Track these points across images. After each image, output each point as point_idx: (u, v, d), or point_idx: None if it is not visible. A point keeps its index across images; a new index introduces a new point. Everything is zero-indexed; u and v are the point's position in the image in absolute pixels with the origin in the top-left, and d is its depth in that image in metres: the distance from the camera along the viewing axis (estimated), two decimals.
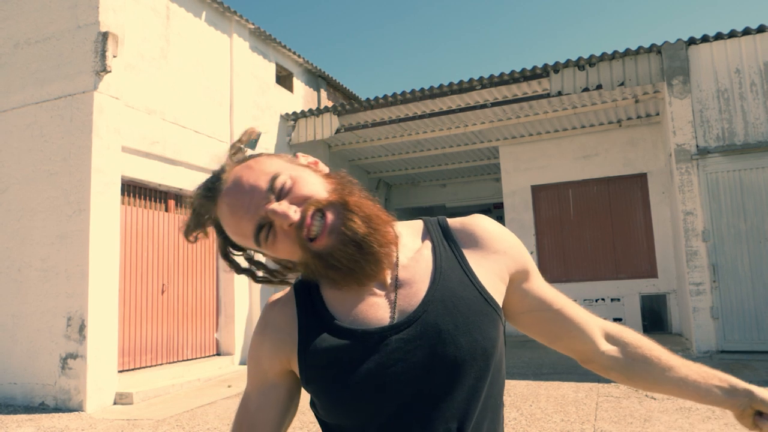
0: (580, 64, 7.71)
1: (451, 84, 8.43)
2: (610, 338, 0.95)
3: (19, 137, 6.38)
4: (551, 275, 9.41)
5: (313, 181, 0.83)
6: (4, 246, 6.29)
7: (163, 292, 7.13)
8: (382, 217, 0.83)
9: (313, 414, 0.87)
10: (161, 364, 7.00)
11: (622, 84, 7.58)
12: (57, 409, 5.63)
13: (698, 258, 6.92)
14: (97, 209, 5.93)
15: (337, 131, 9.41)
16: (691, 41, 7.20)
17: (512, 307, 0.92)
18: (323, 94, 11.18)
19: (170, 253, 7.30)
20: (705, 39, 7.14)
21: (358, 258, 0.78)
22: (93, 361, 5.67)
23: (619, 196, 9.71)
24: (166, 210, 7.41)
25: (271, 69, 9.54)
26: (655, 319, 9.11)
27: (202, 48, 7.99)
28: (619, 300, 9.39)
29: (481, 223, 0.91)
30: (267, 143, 9.13)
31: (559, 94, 7.90)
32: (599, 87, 7.65)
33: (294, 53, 9.99)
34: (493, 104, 8.72)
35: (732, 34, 7.01)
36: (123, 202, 6.65)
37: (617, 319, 8.66)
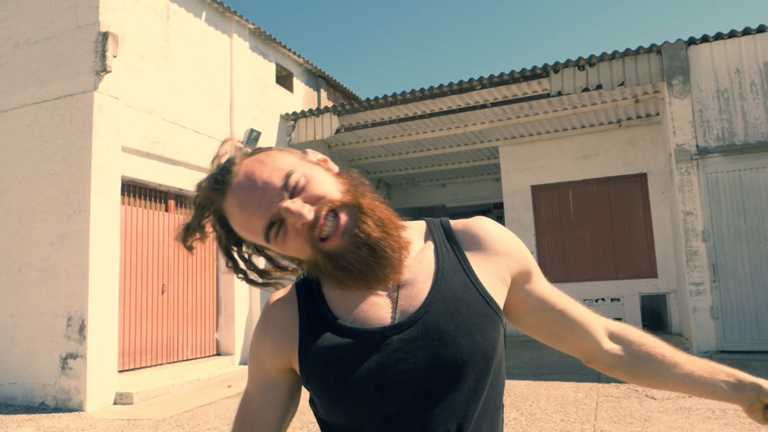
0: (580, 64, 7.71)
1: (451, 84, 8.43)
2: (614, 337, 0.95)
3: (19, 137, 6.38)
4: (551, 275, 9.41)
5: (326, 181, 0.83)
6: (4, 246, 6.29)
7: (163, 292, 7.13)
8: (395, 222, 0.83)
9: (312, 414, 0.87)
10: (161, 364, 7.01)
11: (622, 84, 7.58)
12: (57, 409, 5.63)
13: (698, 258, 6.92)
14: (97, 209, 5.93)
15: (337, 131, 9.42)
16: (691, 41, 7.20)
17: (515, 309, 0.92)
18: (323, 94, 11.18)
19: (170, 253, 7.30)
20: (705, 39, 7.14)
21: (371, 261, 0.78)
22: (93, 361, 5.68)
23: (619, 196, 9.71)
24: (166, 210, 7.41)
25: (271, 69, 9.54)
26: (655, 319, 9.11)
27: (202, 48, 7.99)
28: (619, 300, 9.39)
29: (483, 225, 0.91)
30: (267, 143, 9.13)
31: (559, 94, 7.91)
32: (599, 87, 7.65)
33: (294, 53, 9.99)
34: (493, 104, 8.72)
35: (732, 34, 7.01)
36: (123, 202, 6.65)
37: (617, 319, 8.64)
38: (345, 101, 11.13)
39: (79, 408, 5.57)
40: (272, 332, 0.86)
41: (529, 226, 10.13)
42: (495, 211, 13.34)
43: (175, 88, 7.40)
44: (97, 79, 6.10)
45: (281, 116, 9.59)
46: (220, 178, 0.83)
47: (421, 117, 9.14)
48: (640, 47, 7.44)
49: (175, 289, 7.34)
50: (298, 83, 10.40)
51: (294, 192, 0.79)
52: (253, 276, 0.91)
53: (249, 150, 0.87)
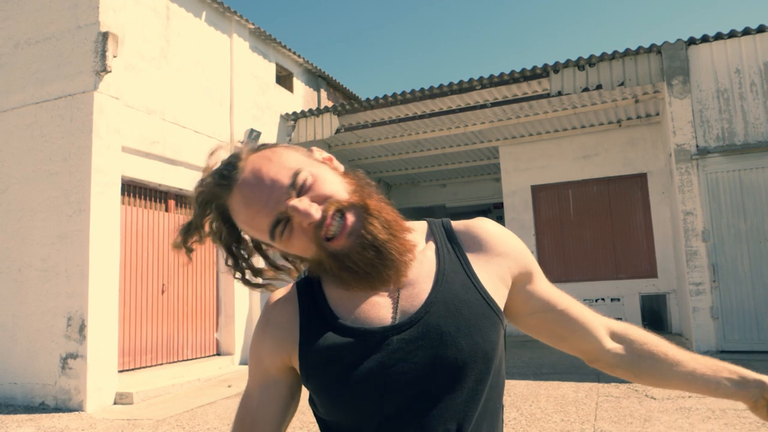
0: (580, 64, 7.71)
1: (451, 84, 8.43)
2: (616, 336, 0.95)
3: (19, 137, 6.38)
4: (551, 275, 9.32)
5: (333, 180, 0.83)
6: (4, 246, 6.29)
7: (163, 292, 7.13)
8: (402, 224, 0.83)
9: (312, 414, 0.87)
10: (161, 364, 7.01)
11: (622, 84, 7.59)
12: (57, 409, 5.63)
13: (698, 258, 6.92)
14: (97, 209, 5.93)
15: (337, 131, 9.42)
16: (691, 41, 7.20)
17: (517, 309, 0.92)
18: (323, 94, 11.18)
19: (170, 253, 7.29)
20: (705, 39, 7.14)
21: (377, 263, 0.78)
22: (93, 361, 5.68)
23: (619, 196, 9.71)
24: (166, 210, 7.41)
25: (271, 69, 9.54)
26: (655, 319, 9.11)
27: (202, 48, 7.99)
28: (619, 300, 9.39)
29: (484, 226, 0.91)
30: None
31: (559, 94, 7.91)
32: (599, 87, 7.65)
33: (294, 53, 9.99)
34: (493, 104, 8.72)
35: (732, 34, 7.01)
36: (123, 202, 6.65)
37: (618, 319, 8.65)
38: (345, 101, 11.13)
39: (79, 408, 5.58)
40: (273, 331, 0.86)
41: (529, 226, 10.13)
42: (495, 211, 13.34)
43: (175, 88, 7.40)
44: (97, 79, 6.10)
45: (281, 116, 9.59)
46: (226, 174, 0.82)
47: (421, 117, 9.14)
48: (640, 47, 7.44)
49: (175, 289, 7.34)
50: (298, 83, 10.41)
51: (301, 191, 0.79)
52: (249, 276, 0.91)
53: (254, 145, 0.86)
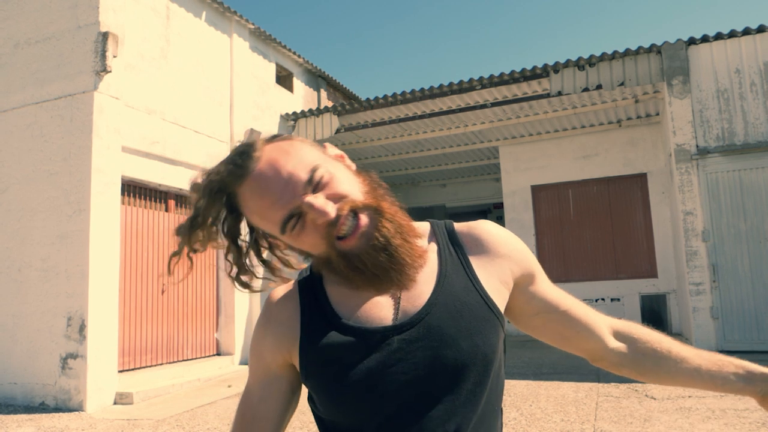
0: (580, 64, 7.71)
1: (451, 84, 8.43)
2: (619, 335, 0.95)
3: (19, 137, 6.38)
4: (551, 275, 9.23)
5: (348, 179, 0.82)
6: (4, 246, 6.29)
7: (163, 292, 7.13)
8: (414, 229, 0.83)
9: (312, 413, 0.87)
10: (161, 364, 7.01)
11: (622, 84, 7.58)
12: (57, 409, 5.63)
13: (698, 258, 6.92)
14: (97, 209, 5.93)
15: (337, 131, 9.42)
16: (691, 41, 7.20)
17: (519, 311, 0.93)
18: (323, 94, 11.18)
19: (170, 253, 7.29)
20: (705, 39, 7.14)
21: (387, 266, 0.78)
22: (93, 361, 5.68)
23: (619, 196, 9.71)
24: (166, 210, 7.41)
25: (271, 69, 9.54)
26: (654, 319, 9.11)
27: (202, 48, 7.99)
28: (619, 300, 9.39)
29: (486, 228, 0.91)
30: None
31: (559, 94, 7.91)
32: (599, 87, 7.65)
33: (294, 53, 9.99)
34: (493, 104, 8.71)
35: (732, 34, 7.01)
36: (123, 202, 6.65)
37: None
38: (345, 101, 11.13)
39: (79, 408, 5.57)
40: (274, 327, 0.86)
41: (529, 226, 10.13)
42: (495, 211, 13.34)
43: (175, 88, 7.40)
44: (97, 79, 6.10)
45: (281, 116, 9.59)
46: (240, 162, 0.80)
47: (421, 117, 9.14)
48: (640, 47, 7.44)
49: (175, 289, 7.34)
50: (298, 83, 10.41)
51: (317, 187, 0.78)
52: (248, 273, 0.89)
53: (269, 135, 0.85)
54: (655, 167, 9.34)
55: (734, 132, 6.95)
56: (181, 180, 7.33)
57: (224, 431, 4.67)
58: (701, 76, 7.13)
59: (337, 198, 0.79)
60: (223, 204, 0.84)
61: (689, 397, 4.91)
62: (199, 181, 0.84)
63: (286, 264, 0.90)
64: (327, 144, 0.88)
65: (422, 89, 8.58)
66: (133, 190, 6.91)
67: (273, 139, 0.84)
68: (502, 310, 0.86)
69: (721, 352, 6.62)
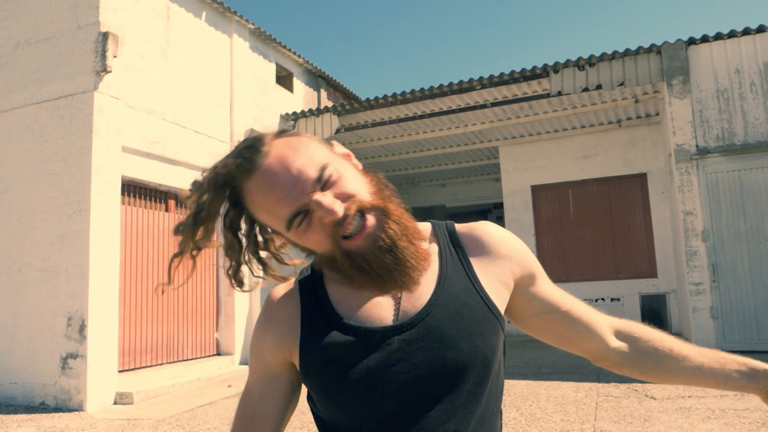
0: (580, 64, 7.71)
1: (451, 84, 8.43)
2: (620, 334, 0.95)
3: (20, 137, 6.39)
4: (551, 275, 9.18)
5: (356, 179, 0.82)
6: (4, 246, 6.30)
7: (163, 292, 7.13)
8: (420, 233, 0.83)
9: (311, 413, 0.88)
10: (161, 364, 7.01)
11: (621, 84, 7.59)
12: (57, 409, 5.63)
13: (698, 258, 6.92)
14: (98, 209, 5.94)
15: (337, 131, 9.42)
16: (691, 41, 7.20)
17: (521, 311, 0.93)
18: (323, 94, 11.18)
19: (170, 253, 7.29)
20: (705, 39, 7.14)
21: (392, 268, 0.78)
22: (93, 361, 5.68)
23: (618, 196, 9.71)
24: (166, 210, 7.41)
25: (271, 69, 9.54)
26: (654, 319, 9.11)
27: (202, 48, 7.99)
28: (618, 300, 9.40)
29: (487, 229, 0.92)
30: None
31: (559, 94, 7.91)
32: (599, 87, 7.65)
33: (294, 53, 9.99)
34: (493, 104, 8.71)
35: (732, 34, 7.02)
36: (123, 202, 6.66)
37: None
38: (345, 101, 11.13)
39: (79, 408, 5.58)
40: (274, 326, 0.86)
41: (529, 226, 10.13)
42: (495, 211, 13.34)
43: (175, 88, 7.41)
44: (98, 79, 6.10)
45: (281, 116, 9.59)
46: (248, 156, 0.79)
47: (421, 117, 9.14)
48: (640, 47, 7.44)
49: (175, 289, 7.34)
50: (298, 83, 10.41)
51: (325, 185, 0.78)
52: (247, 267, 0.88)
53: (277, 130, 0.85)
54: (655, 167, 9.34)
55: (734, 132, 6.95)
56: (182, 180, 7.34)
57: (224, 431, 4.67)
58: (701, 76, 7.14)
59: (345, 197, 0.78)
60: (227, 198, 0.83)
61: (689, 397, 4.91)
62: (200, 179, 0.84)
63: (280, 261, 0.90)
64: (334, 142, 0.88)
65: (422, 89, 8.58)
66: (133, 190, 6.91)
67: (281, 134, 0.83)
68: (502, 312, 0.86)
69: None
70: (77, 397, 5.60)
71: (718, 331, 6.76)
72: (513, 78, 8.10)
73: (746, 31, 6.96)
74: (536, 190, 10.26)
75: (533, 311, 0.93)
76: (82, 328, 5.69)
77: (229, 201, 0.83)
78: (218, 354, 7.98)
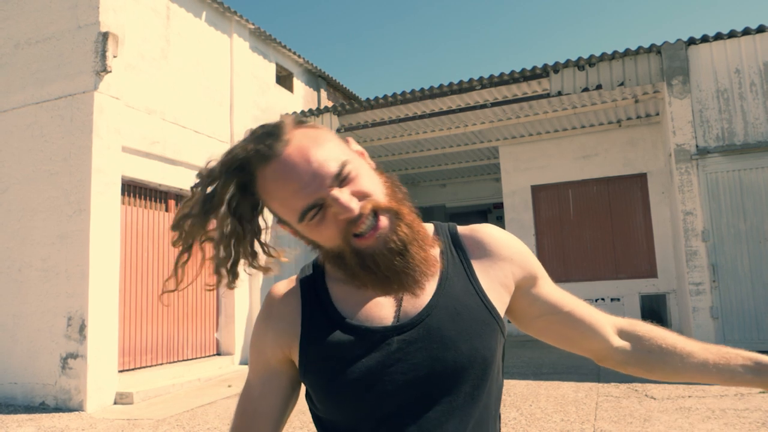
0: (580, 64, 7.71)
1: (451, 84, 8.43)
2: (623, 333, 0.95)
3: (20, 137, 6.39)
4: (551, 275, 9.17)
5: (372, 178, 0.81)
6: (4, 246, 6.30)
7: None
8: (430, 239, 0.83)
9: (310, 412, 0.88)
10: (161, 364, 7.01)
11: (621, 84, 7.58)
12: (57, 409, 5.64)
13: (698, 258, 6.92)
14: (98, 209, 5.94)
15: (337, 131, 9.42)
16: (691, 41, 7.20)
17: (523, 313, 0.93)
18: (323, 94, 11.18)
19: (170, 253, 7.30)
20: (705, 39, 7.14)
21: (400, 270, 0.78)
22: (93, 361, 5.68)
23: (618, 196, 9.71)
24: (166, 210, 7.41)
25: (271, 69, 9.54)
26: (654, 319, 9.07)
27: (202, 48, 7.99)
28: (618, 300, 9.40)
29: (488, 231, 0.92)
30: None
31: (559, 94, 7.91)
32: (599, 87, 7.65)
33: (294, 53, 9.99)
34: (493, 104, 8.71)
35: (732, 34, 7.02)
36: (123, 202, 6.66)
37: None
38: (345, 101, 11.13)
39: (79, 408, 5.58)
40: (274, 323, 0.86)
41: (529, 226, 10.13)
42: (495, 211, 13.34)
43: (175, 88, 7.41)
44: (98, 79, 6.10)
45: (281, 116, 9.54)
46: (269, 143, 0.78)
47: (421, 117, 9.14)
48: (640, 47, 7.44)
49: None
50: (298, 83, 10.41)
51: (343, 182, 0.77)
52: (247, 260, 0.85)
53: (297, 120, 0.83)
54: (655, 167, 9.34)
55: (734, 132, 6.95)
56: (182, 180, 7.34)
57: (224, 431, 4.67)
58: (701, 76, 7.13)
59: (361, 195, 0.78)
60: (234, 183, 0.81)
61: (689, 397, 4.91)
62: (211, 165, 0.82)
63: (268, 254, 0.88)
64: (350, 138, 0.87)
65: (422, 89, 8.58)
66: (133, 190, 6.91)
67: (301, 124, 0.82)
68: (502, 314, 0.87)
69: None
70: (77, 397, 5.60)
71: (718, 331, 6.76)
72: (513, 78, 8.10)
73: (746, 31, 6.96)
74: (536, 190, 10.26)
75: (535, 313, 0.93)
76: (82, 328, 5.69)
77: (237, 186, 0.81)
78: (218, 354, 7.98)
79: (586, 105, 8.79)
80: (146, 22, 7.03)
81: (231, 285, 0.87)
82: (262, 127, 0.82)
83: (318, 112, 9.39)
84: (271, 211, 0.84)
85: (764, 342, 6.59)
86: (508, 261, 0.89)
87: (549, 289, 0.94)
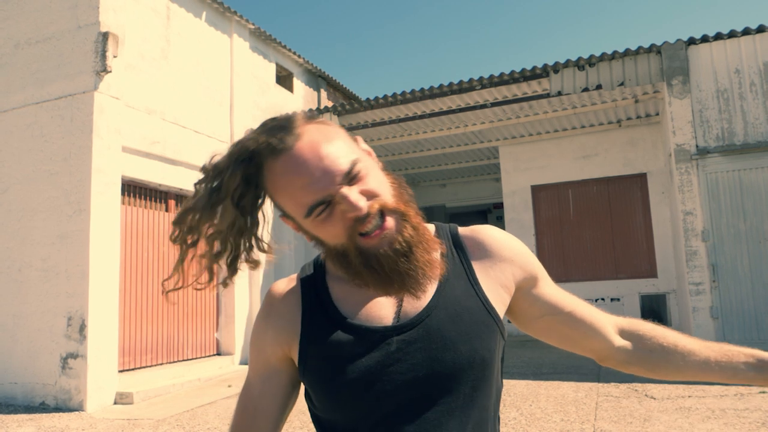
0: (579, 64, 7.71)
1: (451, 84, 8.43)
2: (624, 333, 0.95)
3: (20, 137, 6.39)
4: (551, 275, 9.18)
5: (380, 177, 0.81)
6: (4, 246, 6.30)
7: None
8: (434, 242, 0.83)
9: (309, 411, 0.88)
10: (161, 364, 7.01)
11: (621, 84, 7.59)
12: (57, 409, 5.64)
13: (698, 258, 6.92)
14: (98, 209, 5.94)
15: None
16: (691, 41, 7.20)
17: (524, 313, 0.93)
18: (323, 94, 11.18)
19: (170, 253, 7.30)
20: (705, 39, 7.14)
21: (404, 272, 0.78)
22: (93, 361, 5.68)
23: (618, 196, 9.71)
24: (166, 210, 7.41)
25: (271, 69, 9.54)
26: (654, 319, 9.11)
27: (203, 48, 7.99)
28: (618, 300, 9.40)
29: (488, 232, 0.92)
30: None
31: (559, 94, 7.91)
32: (599, 87, 7.65)
33: (294, 53, 9.99)
34: (493, 104, 8.72)
35: (732, 34, 7.02)
36: (123, 202, 6.66)
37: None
38: (345, 101, 11.13)
39: (79, 408, 5.58)
40: (275, 321, 0.86)
41: (529, 226, 10.13)
42: (495, 211, 13.34)
43: (175, 88, 7.41)
44: (98, 79, 6.10)
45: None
46: (281, 136, 0.78)
47: (421, 117, 9.14)
48: (639, 47, 7.44)
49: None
50: (298, 83, 10.41)
51: (353, 180, 0.77)
52: (247, 254, 0.84)
53: (309, 114, 0.83)
54: (655, 167, 9.34)
55: (734, 132, 6.95)
56: (181, 180, 7.34)
57: (224, 431, 4.67)
58: (701, 76, 7.14)
59: (369, 195, 0.78)
60: (243, 176, 0.80)
61: (689, 397, 4.92)
62: (218, 158, 0.81)
63: (262, 249, 0.86)
64: (358, 137, 0.86)
65: (422, 89, 8.58)
66: (133, 190, 6.91)
67: (312, 119, 0.82)
68: (502, 316, 0.87)
69: None
70: (77, 396, 5.60)
71: (718, 331, 6.76)
72: (513, 78, 8.10)
73: (746, 31, 6.96)
74: (536, 190, 10.26)
75: (536, 313, 0.93)
76: (82, 328, 5.69)
77: (242, 178, 0.80)
78: (218, 354, 7.98)
79: (586, 105, 8.79)
80: (146, 22, 7.04)
81: (227, 282, 0.86)
82: (273, 119, 0.81)
83: (318, 112, 9.39)
84: (276, 205, 0.83)
85: (764, 342, 6.59)
86: (508, 262, 0.89)
87: (550, 289, 0.94)
